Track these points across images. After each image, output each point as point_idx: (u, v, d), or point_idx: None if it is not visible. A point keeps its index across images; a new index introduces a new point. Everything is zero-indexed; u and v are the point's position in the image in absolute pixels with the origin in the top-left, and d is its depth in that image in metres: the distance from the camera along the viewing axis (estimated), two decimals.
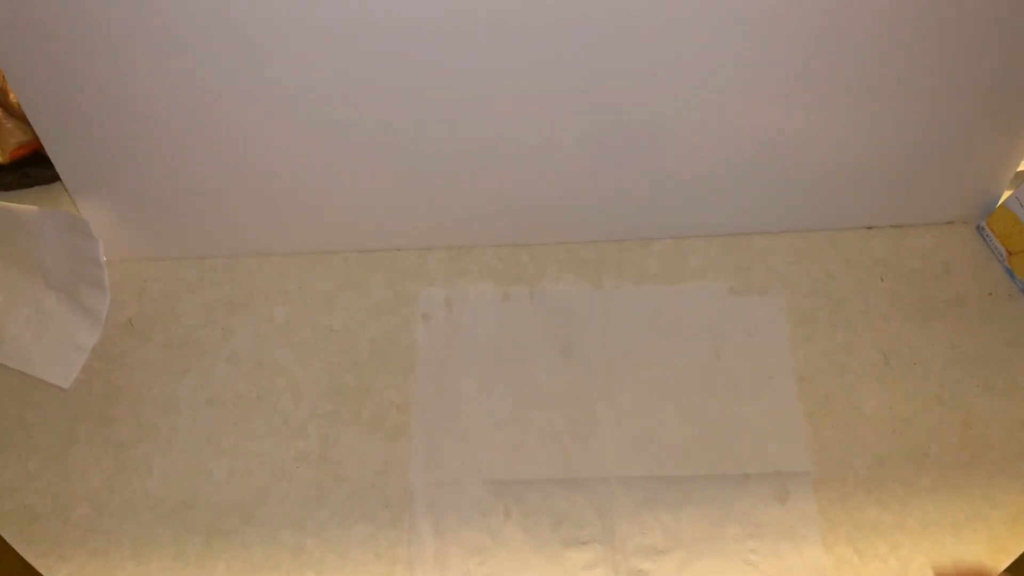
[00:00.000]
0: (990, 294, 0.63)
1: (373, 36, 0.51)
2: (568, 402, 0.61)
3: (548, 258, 0.66)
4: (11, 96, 0.68)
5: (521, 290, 0.65)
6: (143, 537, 0.57)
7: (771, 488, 0.57)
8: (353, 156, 0.60)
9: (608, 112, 0.58)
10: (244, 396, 0.62)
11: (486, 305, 0.65)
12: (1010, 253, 0.63)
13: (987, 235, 0.65)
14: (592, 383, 0.61)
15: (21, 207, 0.63)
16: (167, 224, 0.66)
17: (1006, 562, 0.55)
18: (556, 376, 0.62)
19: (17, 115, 0.68)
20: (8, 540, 0.57)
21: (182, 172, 0.62)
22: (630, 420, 0.60)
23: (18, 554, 0.57)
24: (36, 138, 0.61)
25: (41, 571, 0.56)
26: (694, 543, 0.56)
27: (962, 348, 0.61)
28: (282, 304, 0.66)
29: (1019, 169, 0.64)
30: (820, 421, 0.59)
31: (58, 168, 0.61)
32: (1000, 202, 0.64)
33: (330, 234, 0.67)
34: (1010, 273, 0.64)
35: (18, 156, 0.68)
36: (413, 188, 0.63)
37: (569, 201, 0.65)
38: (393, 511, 0.57)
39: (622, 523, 0.56)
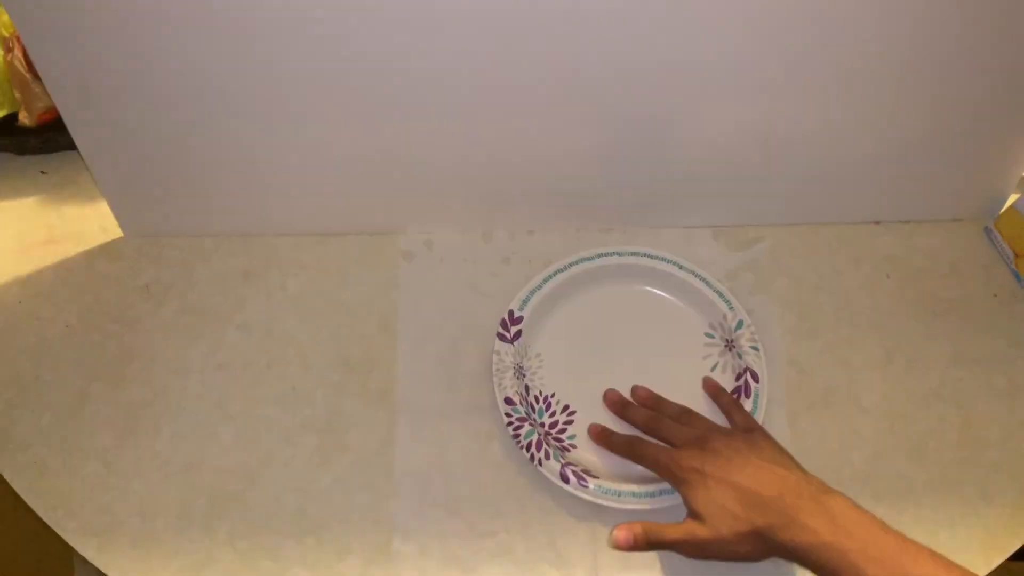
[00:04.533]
0: (995, 295, 0.64)
1: (388, 21, 0.51)
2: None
3: (555, 243, 0.67)
4: None
5: (504, 233, 0.67)
6: (150, 495, 0.58)
7: None
8: (371, 142, 0.61)
9: (617, 105, 0.58)
10: (254, 363, 0.63)
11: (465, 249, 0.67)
12: (1017, 255, 0.63)
13: (995, 237, 0.65)
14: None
15: None
16: (185, 204, 0.67)
17: (999, 559, 0.55)
18: None
19: None
20: (19, 492, 0.58)
21: (200, 153, 0.62)
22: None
23: (28, 507, 0.58)
24: None
25: (50, 524, 0.58)
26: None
27: (965, 348, 0.62)
28: (295, 276, 0.67)
29: None
30: (820, 413, 0.59)
31: (79, 145, 0.61)
32: (1008, 204, 0.64)
33: (345, 216, 0.68)
34: (1016, 275, 0.64)
35: (45, 120, 0.69)
36: (426, 176, 0.64)
37: (576, 190, 0.66)
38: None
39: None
